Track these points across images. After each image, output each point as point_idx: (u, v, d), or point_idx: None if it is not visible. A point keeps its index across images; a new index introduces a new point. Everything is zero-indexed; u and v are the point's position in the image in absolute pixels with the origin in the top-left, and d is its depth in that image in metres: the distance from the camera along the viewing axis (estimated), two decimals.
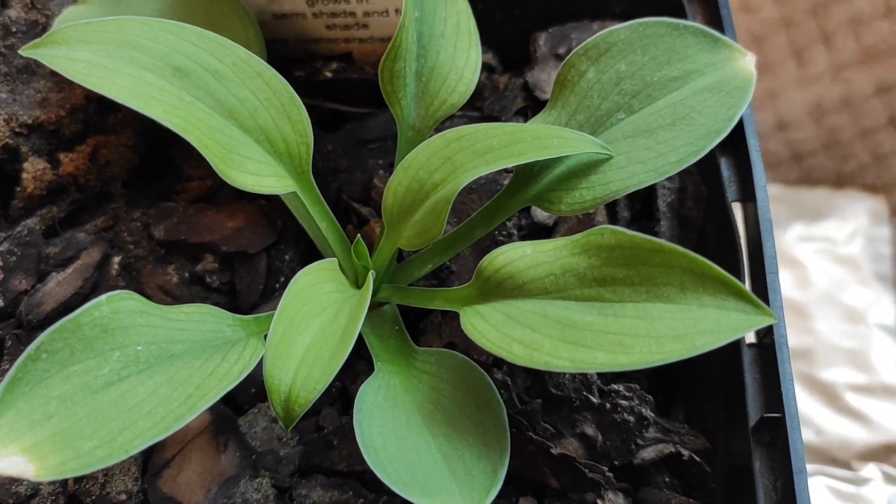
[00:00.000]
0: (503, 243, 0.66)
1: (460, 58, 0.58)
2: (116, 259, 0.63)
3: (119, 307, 0.48)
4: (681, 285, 0.45)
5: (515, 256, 0.51)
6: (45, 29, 0.67)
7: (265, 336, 0.54)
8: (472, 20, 0.59)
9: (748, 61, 0.55)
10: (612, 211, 0.66)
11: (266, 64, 0.53)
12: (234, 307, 0.64)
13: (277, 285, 0.64)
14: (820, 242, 1.14)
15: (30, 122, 0.63)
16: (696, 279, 0.45)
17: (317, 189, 0.58)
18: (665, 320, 0.45)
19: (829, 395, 1.04)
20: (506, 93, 0.71)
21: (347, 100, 0.72)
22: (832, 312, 1.10)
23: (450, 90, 0.58)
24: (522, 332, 0.48)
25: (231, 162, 0.50)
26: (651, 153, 0.53)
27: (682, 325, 0.44)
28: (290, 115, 0.54)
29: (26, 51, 0.48)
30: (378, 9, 0.68)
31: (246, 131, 0.53)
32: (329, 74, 0.71)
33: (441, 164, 0.54)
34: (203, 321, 0.52)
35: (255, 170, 0.52)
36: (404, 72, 0.57)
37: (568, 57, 0.56)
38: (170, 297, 0.61)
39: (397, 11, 0.68)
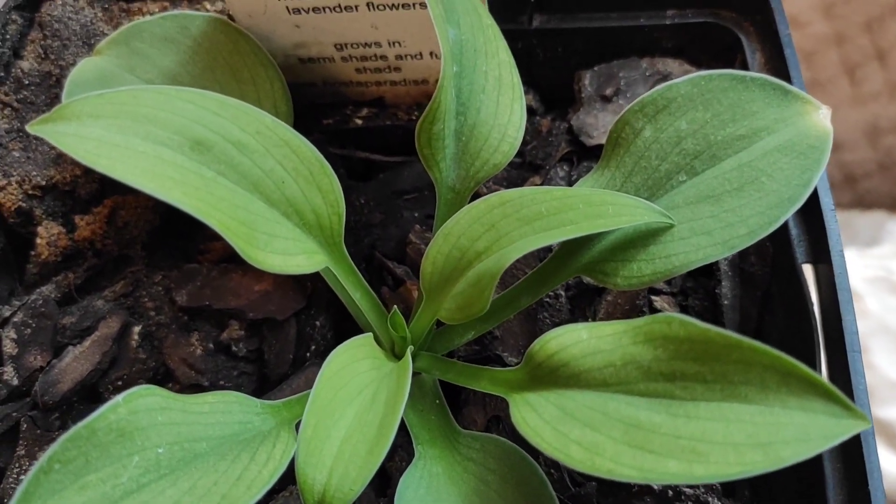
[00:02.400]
0: (550, 306, 0.61)
1: (503, 114, 0.54)
2: (136, 329, 0.59)
3: (137, 406, 0.44)
4: (761, 384, 0.40)
5: (569, 342, 0.46)
6: (58, 81, 0.63)
7: (297, 424, 0.51)
8: (516, 71, 0.54)
9: (822, 116, 0.50)
10: None
11: (293, 131, 0.48)
12: (263, 377, 0.60)
13: (308, 353, 0.60)
14: (875, 269, 1.08)
15: (43, 183, 0.60)
16: (778, 378, 0.40)
17: (349, 259, 0.53)
18: (744, 424, 0.40)
19: (889, 434, 0.99)
20: (549, 138, 0.66)
21: (380, 148, 0.67)
22: (890, 345, 1.04)
23: (492, 149, 0.53)
24: (581, 432, 0.43)
25: (256, 242, 0.46)
26: (717, 223, 0.48)
27: (763, 430, 0.39)
28: (320, 185, 0.49)
29: (34, 127, 0.44)
30: (411, 52, 0.64)
31: (272, 205, 0.48)
32: (360, 122, 0.66)
33: (484, 231, 0.50)
34: (229, 412, 0.48)
35: (282, 248, 0.48)
36: (443, 133, 0.52)
37: (622, 114, 0.52)
38: (194, 370, 0.57)
39: (432, 54, 0.64)
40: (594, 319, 0.61)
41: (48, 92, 0.63)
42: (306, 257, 0.49)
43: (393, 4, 0.59)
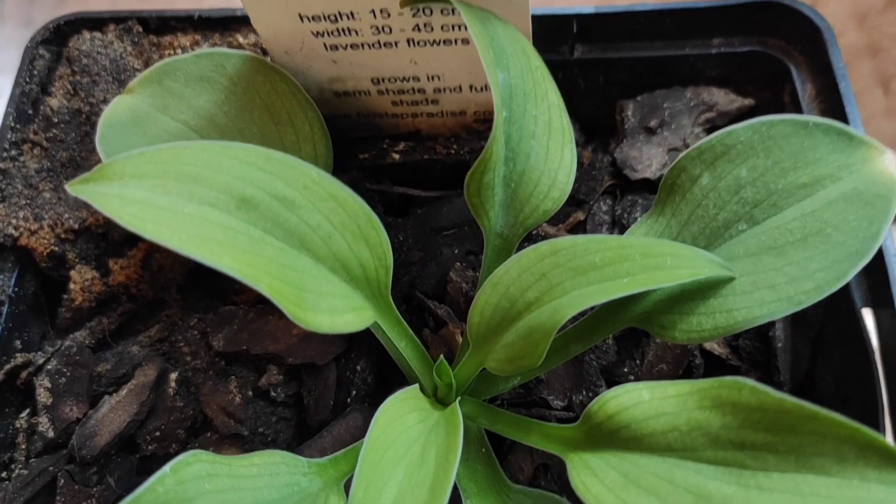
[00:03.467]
0: (596, 348, 0.60)
1: (553, 159, 0.52)
2: (173, 375, 0.57)
3: (184, 476, 0.43)
4: (838, 456, 0.39)
5: (630, 402, 0.45)
6: (88, 118, 0.62)
7: (345, 482, 0.49)
8: (565, 114, 0.52)
9: (888, 161, 0.48)
10: None
11: (339, 183, 0.47)
12: (302, 422, 0.59)
13: (349, 399, 0.58)
14: None
15: (76, 226, 0.58)
16: (856, 450, 0.38)
17: (395, 310, 0.52)
18: (820, 497, 0.38)
19: None
20: (592, 171, 0.65)
21: (417, 182, 0.65)
22: None
23: (542, 196, 0.52)
24: (647, 501, 0.41)
25: (304, 303, 0.44)
26: (781, 277, 0.46)
27: None
28: (368, 238, 0.48)
29: (74, 188, 0.42)
30: (450, 85, 0.62)
31: (319, 261, 0.47)
32: (397, 157, 0.64)
33: (534, 280, 0.48)
34: (276, 473, 0.47)
35: (330, 307, 0.46)
36: (493, 182, 0.50)
37: (677, 159, 0.50)
38: (233, 419, 0.56)
39: (472, 88, 0.62)
40: (642, 362, 0.59)
41: (78, 129, 0.61)
42: (355, 314, 0.47)
43: (434, 41, 0.57)
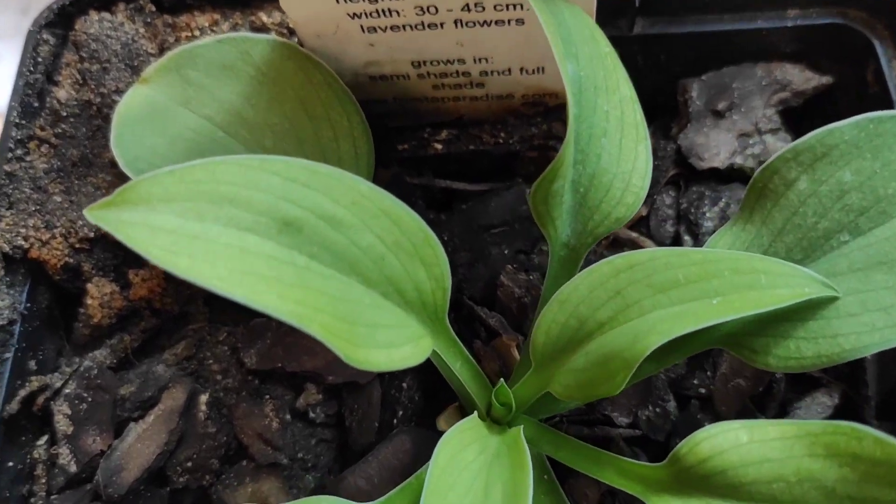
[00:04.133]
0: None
1: (626, 159, 0.46)
2: (203, 397, 0.52)
3: None
4: None
5: (726, 445, 0.40)
6: (99, 111, 0.56)
7: None
8: (639, 108, 0.47)
9: None
10: None
11: (392, 197, 0.41)
12: (343, 442, 0.54)
13: (395, 420, 0.54)
14: None
15: (91, 234, 0.53)
16: None
17: (451, 332, 0.47)
18: None
19: None
20: (654, 160, 0.58)
21: (462, 174, 0.60)
22: None
23: (614, 202, 0.46)
24: None
25: (357, 339, 0.39)
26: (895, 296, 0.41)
27: None
28: (424, 258, 0.42)
29: (93, 214, 0.36)
30: (499, 68, 0.56)
31: (371, 285, 0.41)
32: (439, 147, 0.58)
33: (608, 298, 0.43)
34: None
35: (385, 340, 0.41)
36: (562, 188, 0.45)
37: (769, 161, 0.44)
38: (271, 447, 0.51)
39: (522, 70, 0.56)
40: (714, 374, 0.54)
41: (89, 124, 0.56)
42: (412, 346, 0.42)
43: (485, 21, 0.51)
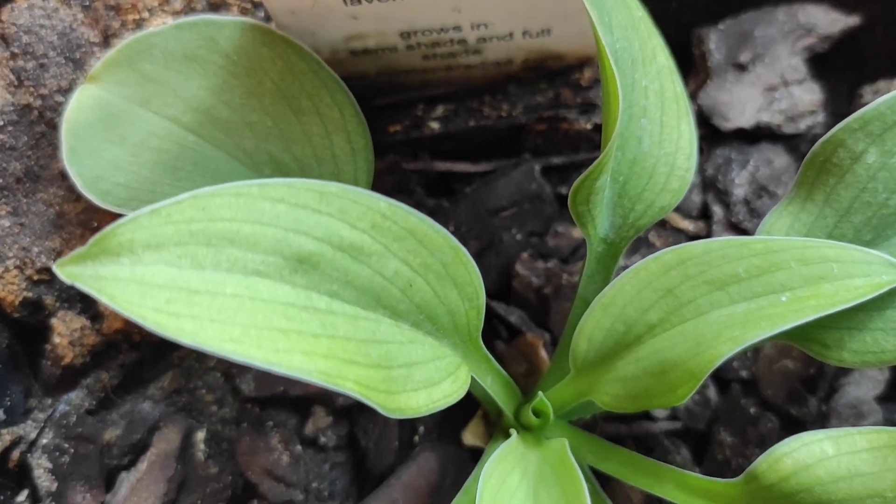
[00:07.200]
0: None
1: (668, 140, 0.40)
2: (200, 434, 0.46)
3: None
4: None
5: (811, 460, 0.36)
6: (41, 116, 0.48)
7: None
8: (678, 78, 0.41)
9: None
10: None
11: (416, 213, 0.35)
12: (358, 462, 0.49)
13: (416, 436, 0.48)
14: None
15: (50, 263, 0.46)
16: None
17: (483, 348, 0.41)
18: None
19: None
20: None
21: (460, 153, 0.53)
22: None
23: (658, 188, 0.41)
24: None
25: (394, 386, 0.34)
26: None
27: None
28: (455, 277, 0.37)
29: (66, 271, 0.30)
30: (499, 33, 0.49)
31: (399, 317, 0.36)
32: (435, 126, 0.52)
33: (658, 298, 0.39)
34: None
35: (423, 379, 0.35)
36: (605, 184, 0.39)
37: (832, 132, 0.39)
38: (283, 483, 0.46)
39: (525, 33, 0.49)
40: (756, 355, 0.50)
41: (30, 131, 0.48)
42: (451, 381, 0.37)
43: None
